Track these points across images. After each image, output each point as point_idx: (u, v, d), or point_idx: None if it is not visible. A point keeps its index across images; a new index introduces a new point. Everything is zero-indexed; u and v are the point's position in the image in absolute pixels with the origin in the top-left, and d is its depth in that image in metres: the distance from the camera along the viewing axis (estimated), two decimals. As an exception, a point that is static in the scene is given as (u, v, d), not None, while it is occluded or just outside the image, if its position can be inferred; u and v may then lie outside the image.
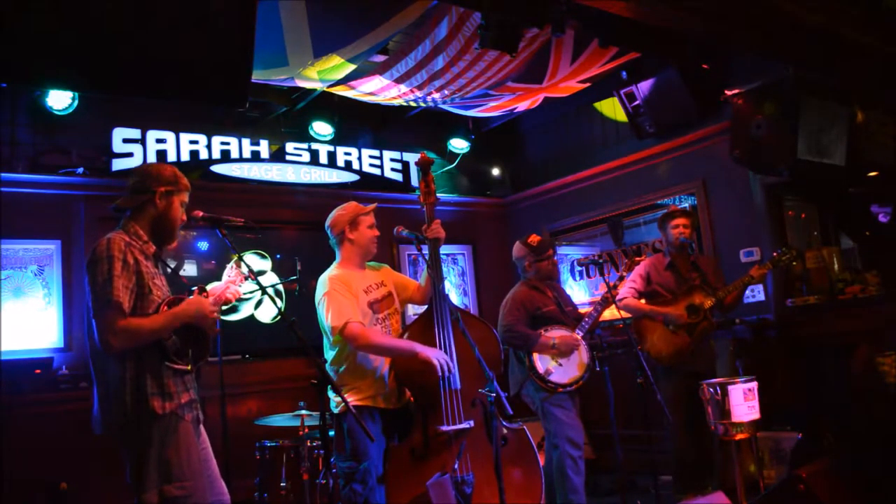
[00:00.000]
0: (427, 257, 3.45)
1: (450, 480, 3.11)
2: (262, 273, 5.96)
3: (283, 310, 5.74)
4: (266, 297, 5.67)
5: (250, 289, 3.86)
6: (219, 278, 3.36)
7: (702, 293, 4.45)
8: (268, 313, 5.96)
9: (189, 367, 2.61)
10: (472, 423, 3.27)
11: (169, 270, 2.83)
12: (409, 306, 5.02)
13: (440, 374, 3.18)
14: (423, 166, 3.61)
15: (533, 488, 3.36)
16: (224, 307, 3.09)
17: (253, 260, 6.01)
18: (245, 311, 5.85)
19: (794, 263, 4.70)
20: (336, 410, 3.27)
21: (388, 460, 3.25)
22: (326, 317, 3.26)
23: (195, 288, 2.81)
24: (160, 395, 2.51)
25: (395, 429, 3.37)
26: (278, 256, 6.12)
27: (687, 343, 4.43)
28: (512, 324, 4.19)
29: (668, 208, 5.41)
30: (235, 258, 2.98)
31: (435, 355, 3.20)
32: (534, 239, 4.36)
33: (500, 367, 3.49)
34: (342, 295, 3.27)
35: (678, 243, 4.59)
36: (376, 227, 3.50)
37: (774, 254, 4.44)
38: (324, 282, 3.36)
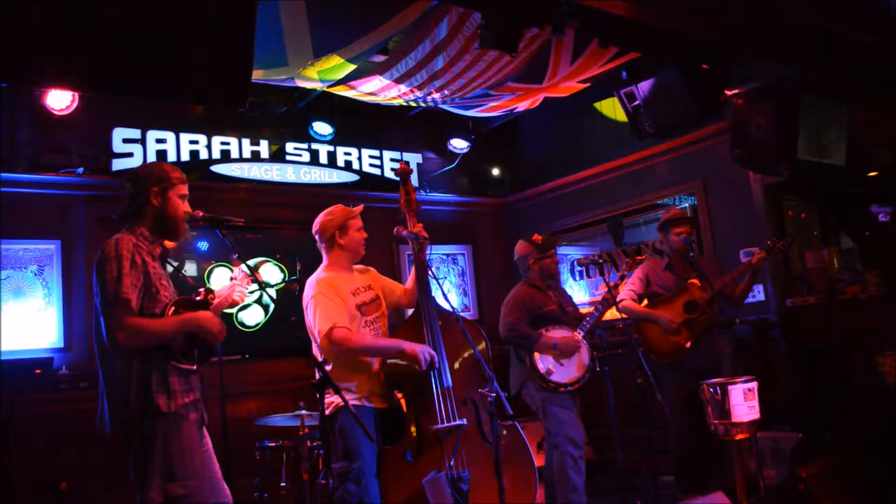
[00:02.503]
0: (425, 258, 3.47)
1: (445, 478, 3.12)
2: (269, 285, 5.95)
3: (273, 313, 5.74)
4: (253, 301, 5.76)
5: (253, 288, 3.87)
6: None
7: (699, 288, 4.47)
8: (253, 318, 5.93)
9: (195, 367, 2.64)
10: (464, 421, 3.29)
11: (171, 269, 2.84)
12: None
13: (423, 367, 3.19)
14: (403, 175, 3.61)
15: (527, 486, 3.37)
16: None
17: (271, 270, 6.02)
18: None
19: (791, 247, 4.70)
20: (326, 411, 3.25)
21: (382, 460, 3.26)
22: (313, 321, 3.28)
23: (202, 289, 2.82)
24: (165, 393, 2.53)
25: (385, 427, 3.37)
26: (278, 256, 6.12)
27: (686, 339, 4.43)
28: (513, 323, 4.19)
29: (668, 209, 5.41)
30: (237, 259, 2.99)
31: (421, 349, 3.22)
32: (537, 237, 4.39)
33: (490, 366, 3.51)
34: (329, 298, 3.28)
35: (679, 245, 4.60)
36: (364, 230, 3.51)
37: (768, 242, 4.45)
38: (311, 285, 3.38)
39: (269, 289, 2.99)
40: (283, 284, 5.96)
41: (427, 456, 3.24)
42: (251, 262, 2.94)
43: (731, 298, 4.48)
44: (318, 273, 3.46)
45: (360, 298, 3.42)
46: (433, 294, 3.46)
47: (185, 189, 2.80)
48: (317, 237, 3.51)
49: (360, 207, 3.53)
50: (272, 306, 5.96)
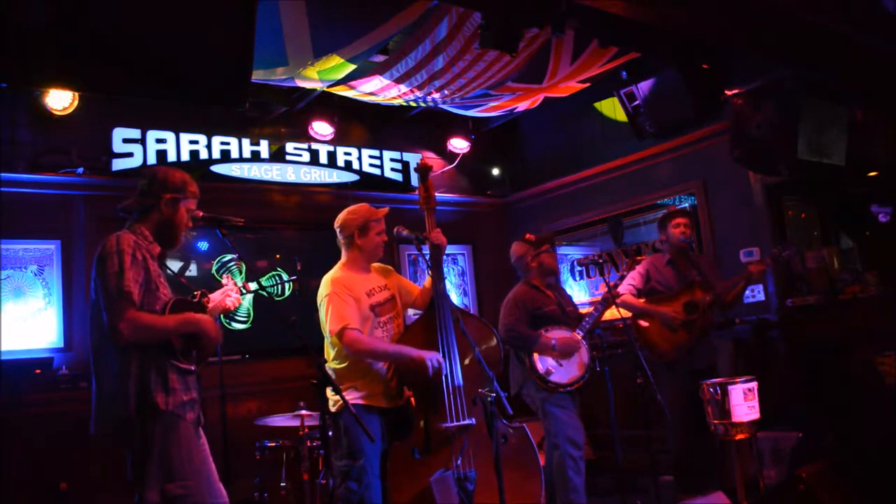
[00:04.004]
0: (427, 258, 3.47)
1: (452, 477, 3.12)
2: (259, 290, 5.86)
3: (262, 313, 5.73)
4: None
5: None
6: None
7: (700, 289, 4.46)
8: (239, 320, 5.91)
9: (193, 368, 2.64)
10: (473, 420, 3.29)
11: (170, 272, 2.85)
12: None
13: (430, 373, 3.21)
14: (423, 171, 3.61)
15: (532, 487, 3.38)
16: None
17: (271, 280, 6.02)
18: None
19: (795, 258, 4.70)
20: (333, 409, 3.28)
21: (390, 458, 3.27)
22: (326, 319, 3.30)
23: (198, 292, 2.83)
24: (164, 390, 2.53)
25: (394, 428, 3.38)
26: (278, 256, 6.12)
27: (685, 340, 4.43)
28: (512, 324, 4.19)
29: (668, 209, 5.42)
30: (238, 259, 3.01)
31: (427, 356, 3.23)
32: (530, 235, 4.42)
33: (500, 366, 3.51)
34: (342, 298, 3.29)
35: (679, 243, 4.59)
36: (384, 233, 3.52)
37: (774, 249, 4.44)
38: (326, 283, 3.39)
39: (262, 291, 2.99)
40: (278, 284, 5.94)
41: (435, 454, 3.26)
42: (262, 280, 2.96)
43: (723, 303, 4.48)
44: (334, 271, 3.47)
45: (375, 299, 3.43)
46: (447, 292, 3.47)
47: (194, 205, 2.83)
48: (338, 232, 3.52)
49: (384, 210, 3.53)
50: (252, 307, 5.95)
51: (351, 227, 3.45)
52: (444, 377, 3.30)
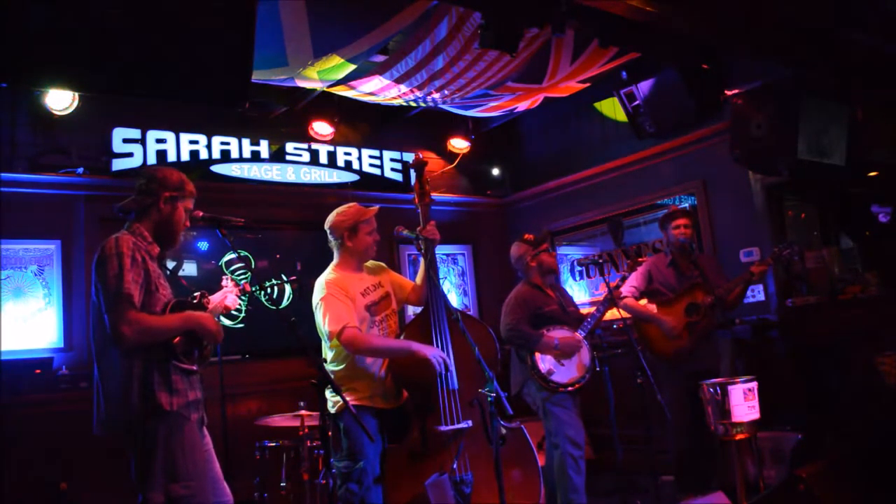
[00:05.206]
0: (433, 256, 3.47)
1: (448, 480, 3.11)
2: (256, 292, 5.84)
3: (254, 311, 5.73)
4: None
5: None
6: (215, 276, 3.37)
7: (702, 291, 4.46)
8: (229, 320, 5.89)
9: (195, 368, 2.65)
10: (469, 423, 3.28)
11: (168, 273, 2.86)
12: (409, 306, 5.02)
13: (438, 370, 3.19)
14: (418, 167, 3.60)
15: (531, 488, 3.37)
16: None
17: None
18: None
19: (796, 259, 4.69)
20: (332, 410, 3.27)
21: (386, 461, 3.26)
22: (324, 321, 3.28)
23: (198, 293, 2.84)
24: (168, 391, 2.54)
25: (392, 429, 3.37)
26: (278, 256, 6.11)
27: (686, 341, 4.43)
28: (514, 323, 4.19)
29: (669, 208, 5.42)
30: (229, 274, 3.03)
31: (432, 353, 3.22)
32: (528, 235, 4.42)
33: (498, 367, 3.50)
34: (339, 299, 3.28)
35: (679, 243, 4.59)
36: (376, 232, 3.50)
37: (775, 248, 4.45)
38: (321, 286, 3.37)
39: (261, 294, 3.01)
40: (277, 285, 5.94)
41: (431, 458, 3.24)
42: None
43: (725, 304, 4.48)
44: (327, 273, 3.45)
45: (370, 298, 3.42)
46: (443, 293, 3.46)
47: (192, 204, 2.84)
48: (328, 234, 3.51)
49: (374, 209, 3.50)
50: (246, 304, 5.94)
51: (340, 229, 3.44)
52: (439, 379, 3.29)
